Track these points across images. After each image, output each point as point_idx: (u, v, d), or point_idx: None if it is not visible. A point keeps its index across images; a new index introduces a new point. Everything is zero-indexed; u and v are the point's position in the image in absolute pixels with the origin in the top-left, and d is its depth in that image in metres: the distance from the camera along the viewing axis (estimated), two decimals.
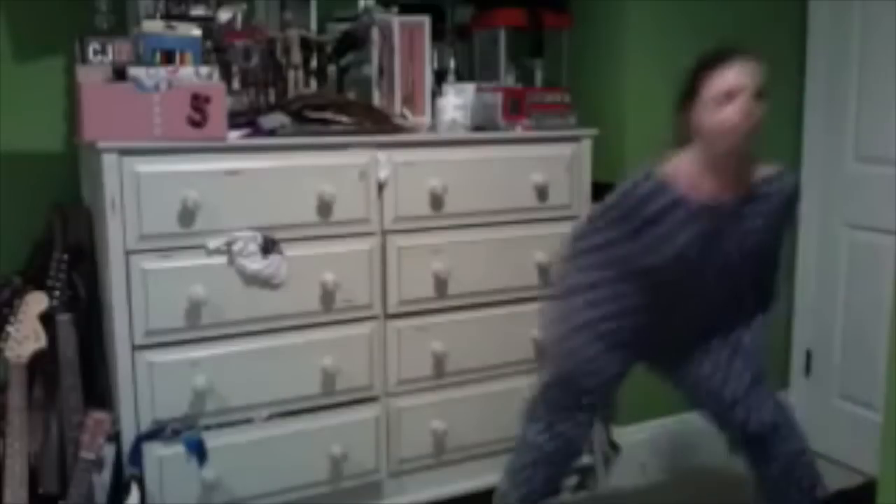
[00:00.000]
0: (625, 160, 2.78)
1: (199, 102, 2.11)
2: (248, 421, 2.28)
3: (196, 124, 2.12)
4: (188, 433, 2.19)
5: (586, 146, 2.64)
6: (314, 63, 2.55)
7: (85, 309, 2.27)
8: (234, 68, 2.39)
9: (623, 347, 2.15)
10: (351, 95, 2.57)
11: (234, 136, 2.21)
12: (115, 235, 2.08)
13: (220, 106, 2.15)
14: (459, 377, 2.53)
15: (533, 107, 2.62)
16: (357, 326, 2.38)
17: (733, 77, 1.91)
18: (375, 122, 2.40)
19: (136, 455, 2.14)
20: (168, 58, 2.20)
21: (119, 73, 2.14)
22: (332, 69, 2.60)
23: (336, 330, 2.36)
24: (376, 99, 2.55)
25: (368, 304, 2.39)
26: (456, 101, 2.55)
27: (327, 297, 2.32)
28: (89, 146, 2.12)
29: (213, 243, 2.18)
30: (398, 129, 2.45)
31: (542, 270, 2.57)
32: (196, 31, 2.26)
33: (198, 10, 2.38)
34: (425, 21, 2.57)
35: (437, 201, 2.43)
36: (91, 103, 2.06)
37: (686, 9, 2.81)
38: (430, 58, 2.60)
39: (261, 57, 2.42)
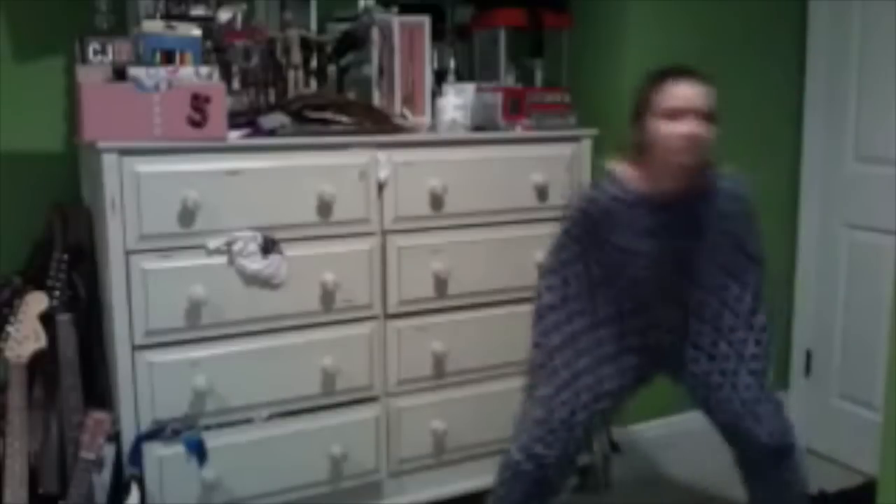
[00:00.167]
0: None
1: (199, 102, 2.11)
2: (248, 421, 2.28)
3: (196, 124, 2.12)
4: (188, 433, 2.19)
5: (586, 146, 2.64)
6: (314, 63, 2.55)
7: (85, 309, 2.27)
8: (234, 68, 2.39)
9: (609, 362, 2.13)
10: (351, 95, 2.57)
11: (234, 136, 2.21)
12: (115, 235, 2.08)
13: (220, 106, 2.15)
14: (459, 377, 2.53)
15: (533, 107, 2.62)
16: (357, 326, 2.38)
17: (683, 96, 1.96)
18: (375, 122, 2.40)
19: (136, 455, 2.14)
20: (168, 58, 2.20)
21: (119, 73, 2.14)
22: (332, 69, 2.60)
23: (336, 330, 2.36)
24: (376, 99, 2.55)
25: (368, 304, 2.39)
26: (456, 101, 2.55)
27: (327, 297, 2.32)
28: (89, 146, 2.12)
29: (213, 243, 2.18)
30: (398, 129, 2.45)
31: None
32: (196, 31, 2.26)
33: (198, 10, 2.38)
34: (425, 21, 2.57)
35: (437, 201, 2.43)
36: (91, 103, 2.06)
37: (686, 9, 2.81)
38: (430, 58, 2.60)
39: (261, 57, 2.42)
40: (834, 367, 3.08)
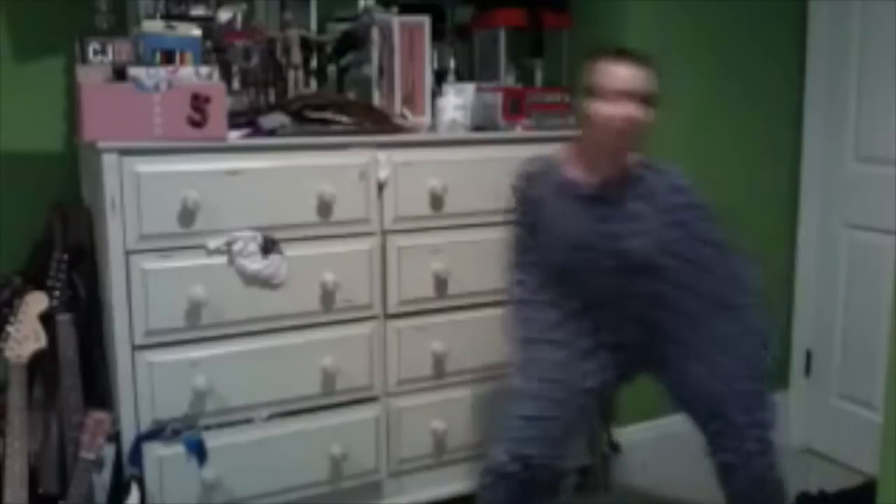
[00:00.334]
0: None
1: (199, 102, 2.11)
2: (248, 421, 2.28)
3: (196, 124, 2.12)
4: (188, 433, 2.19)
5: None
6: (314, 63, 2.55)
7: (85, 309, 2.27)
8: (234, 68, 2.39)
9: (588, 358, 2.12)
10: (351, 95, 2.57)
11: (234, 136, 2.21)
12: (115, 235, 2.08)
13: (220, 106, 2.15)
14: (459, 377, 2.53)
15: (533, 107, 2.62)
16: (357, 326, 2.38)
17: (620, 78, 1.96)
18: (375, 122, 2.40)
19: (136, 455, 2.14)
20: (168, 58, 2.20)
21: (119, 73, 2.14)
22: (332, 69, 2.60)
23: (336, 330, 2.36)
24: (376, 99, 2.55)
25: (368, 304, 2.39)
26: (456, 101, 2.55)
27: (327, 297, 2.32)
28: (89, 146, 2.12)
29: (213, 243, 2.18)
30: (398, 129, 2.45)
31: None
32: (196, 31, 2.26)
33: (198, 10, 2.38)
34: (425, 21, 2.57)
35: (437, 201, 2.43)
36: (91, 103, 2.06)
37: (686, 9, 2.81)
38: (430, 58, 2.60)
39: (261, 57, 2.42)
40: (834, 367, 3.09)
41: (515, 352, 2.16)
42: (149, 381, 2.15)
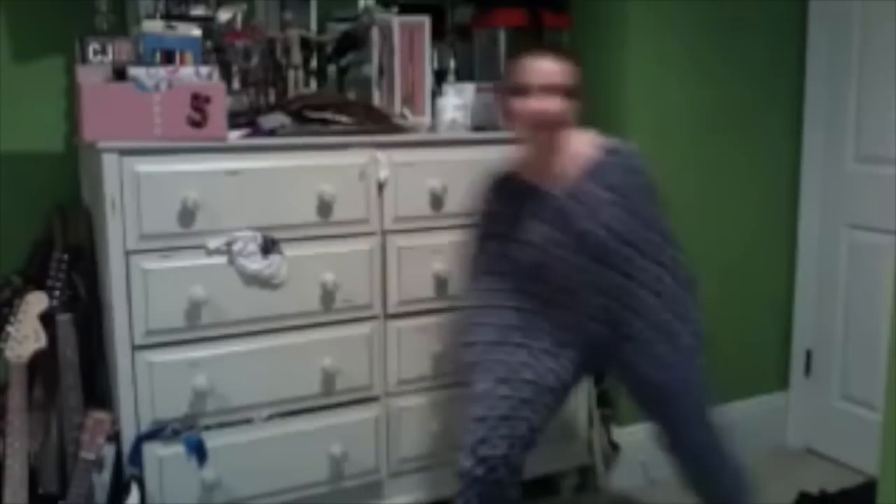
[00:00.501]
0: None
1: (199, 102, 2.11)
2: (248, 421, 2.28)
3: (196, 124, 2.12)
4: (188, 433, 2.18)
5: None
6: (314, 63, 2.55)
7: (85, 309, 2.27)
8: (234, 68, 2.39)
9: (548, 357, 2.10)
10: (351, 95, 2.57)
11: (234, 136, 2.21)
12: (115, 235, 2.08)
13: (220, 106, 2.15)
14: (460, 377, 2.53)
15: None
16: (357, 326, 2.38)
17: (533, 71, 1.99)
18: (375, 122, 2.40)
19: (136, 455, 2.14)
20: (168, 58, 2.20)
21: (119, 73, 2.14)
22: (332, 69, 2.60)
23: (336, 330, 2.36)
24: (376, 99, 2.55)
25: (368, 304, 2.39)
26: (456, 101, 2.55)
27: (327, 297, 2.32)
28: (89, 146, 2.12)
29: (213, 243, 2.18)
30: (398, 129, 2.45)
31: None
32: (196, 31, 2.26)
33: (198, 10, 2.38)
34: (425, 21, 2.57)
35: (437, 201, 2.43)
36: (91, 103, 2.06)
37: (686, 8, 2.81)
38: (430, 58, 2.60)
39: (261, 57, 2.42)
40: (834, 367, 3.08)
41: (472, 353, 2.13)
42: (149, 381, 2.15)
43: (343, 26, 2.60)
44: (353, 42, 2.58)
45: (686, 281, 2.15)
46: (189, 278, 2.15)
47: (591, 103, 2.78)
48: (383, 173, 2.36)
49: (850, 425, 3.00)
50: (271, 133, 2.26)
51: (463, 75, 2.77)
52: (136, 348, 2.13)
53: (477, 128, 2.58)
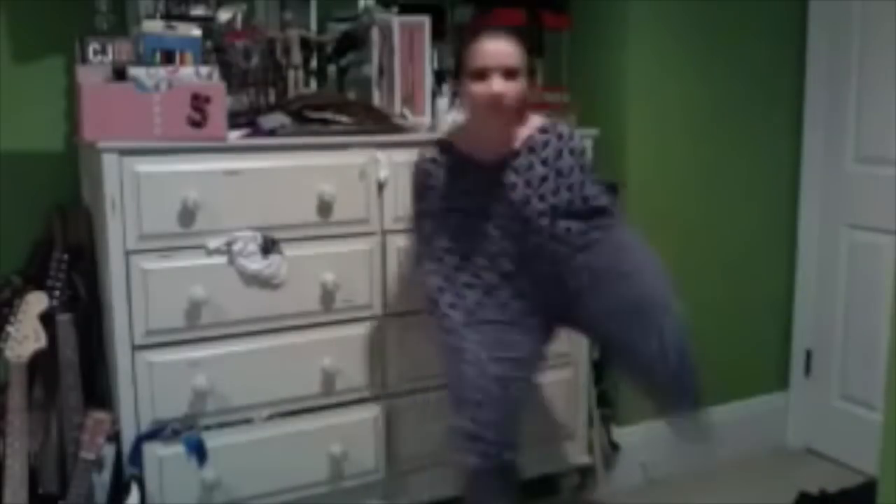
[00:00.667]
0: (625, 160, 2.78)
1: (199, 102, 2.11)
2: (248, 421, 2.28)
3: (196, 124, 2.12)
4: (188, 433, 2.18)
5: (587, 146, 2.63)
6: (314, 63, 2.55)
7: (85, 309, 2.27)
8: (234, 68, 2.39)
9: (514, 328, 2.13)
10: (351, 95, 2.57)
11: (234, 136, 2.21)
12: (115, 235, 2.08)
13: (220, 106, 2.15)
14: None
15: (533, 107, 2.61)
16: (357, 326, 2.38)
17: (487, 54, 2.01)
18: (375, 122, 2.40)
19: (136, 455, 2.14)
20: (168, 58, 2.20)
21: (119, 73, 2.13)
22: (332, 69, 2.60)
23: (336, 330, 2.36)
24: (376, 99, 2.55)
25: (368, 304, 2.39)
26: (456, 101, 2.54)
27: (327, 297, 2.32)
28: (89, 146, 2.12)
29: (213, 243, 2.18)
30: (398, 129, 2.45)
31: None
32: (196, 31, 2.26)
33: (198, 10, 2.38)
34: (425, 21, 2.57)
35: None
36: (91, 103, 2.06)
37: (686, 9, 2.81)
38: (430, 58, 2.60)
39: (261, 57, 2.42)
40: (834, 367, 3.09)
41: (445, 340, 2.16)
42: (149, 381, 2.15)
43: (343, 26, 2.60)
44: (353, 42, 2.58)
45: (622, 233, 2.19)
46: (189, 278, 2.15)
47: (591, 103, 2.81)
48: (383, 173, 2.36)
49: (850, 425, 3.00)
50: (271, 133, 2.26)
51: None
52: (136, 348, 2.13)
53: None
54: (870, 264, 2.91)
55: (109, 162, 2.06)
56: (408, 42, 2.55)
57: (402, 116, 2.53)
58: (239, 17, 2.44)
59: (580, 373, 2.73)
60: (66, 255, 2.23)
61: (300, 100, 2.39)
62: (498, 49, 2.01)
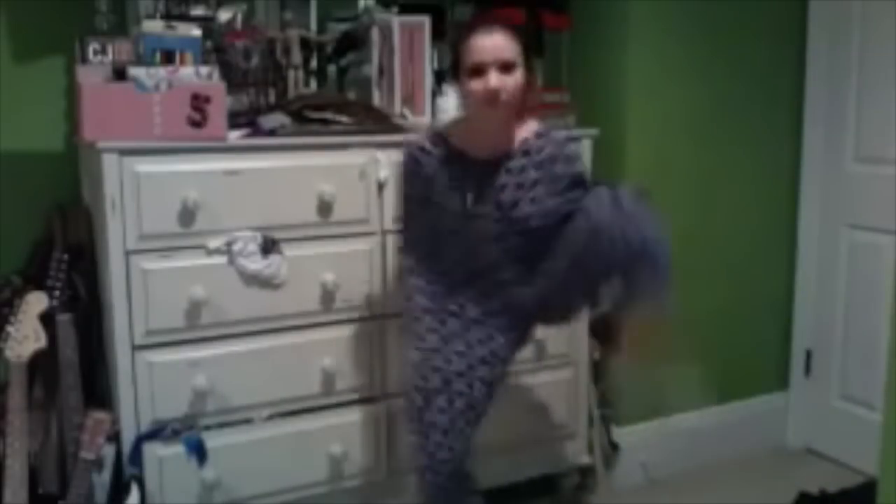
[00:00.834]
0: (625, 160, 2.78)
1: (199, 102, 2.11)
2: (248, 421, 2.28)
3: (196, 124, 2.12)
4: (188, 433, 2.18)
5: (586, 146, 2.64)
6: (314, 63, 2.55)
7: (85, 309, 2.27)
8: (234, 68, 2.39)
9: (468, 330, 2.13)
10: (351, 95, 2.57)
11: (234, 136, 2.21)
12: (115, 235, 2.08)
13: (220, 106, 2.15)
14: None
15: (533, 108, 2.61)
16: (357, 326, 2.38)
17: (483, 49, 1.99)
18: (375, 122, 2.40)
19: (136, 455, 2.14)
20: (168, 58, 2.20)
21: (119, 73, 2.14)
22: (332, 69, 2.60)
23: (336, 330, 2.36)
24: (376, 99, 2.55)
25: (368, 304, 2.39)
26: (456, 101, 2.54)
27: (327, 297, 2.32)
28: (89, 146, 2.12)
29: (213, 243, 2.18)
30: (398, 129, 2.45)
31: None
32: (196, 31, 2.26)
33: (198, 10, 2.38)
34: (425, 21, 2.57)
35: None
36: (91, 103, 2.06)
37: (686, 9, 2.81)
38: (430, 58, 2.60)
39: (261, 57, 2.42)
40: (834, 367, 3.08)
41: (411, 333, 2.17)
42: (149, 381, 2.15)
43: (343, 26, 2.60)
44: (353, 42, 2.59)
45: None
46: (189, 278, 2.15)
47: (590, 103, 2.81)
48: (383, 173, 2.36)
49: (850, 425, 3.00)
50: (271, 133, 2.26)
51: None
52: (136, 348, 2.13)
53: None
54: (870, 264, 2.91)
55: (109, 162, 2.06)
56: (408, 42, 2.55)
57: (402, 116, 2.53)
58: (239, 17, 2.44)
59: (580, 373, 2.73)
60: (66, 254, 2.23)
61: (300, 100, 2.39)
62: (493, 43, 1.99)
